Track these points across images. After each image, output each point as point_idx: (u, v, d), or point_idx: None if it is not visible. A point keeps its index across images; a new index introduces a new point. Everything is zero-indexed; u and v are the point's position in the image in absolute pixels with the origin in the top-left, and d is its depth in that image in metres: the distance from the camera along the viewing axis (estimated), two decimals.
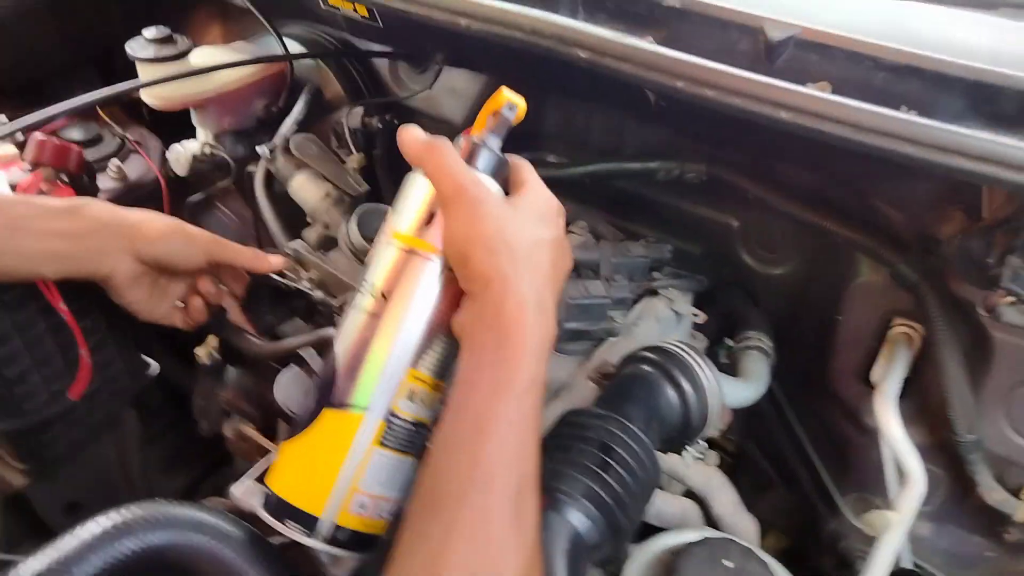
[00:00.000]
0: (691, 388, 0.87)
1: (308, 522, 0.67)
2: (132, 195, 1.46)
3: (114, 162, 1.44)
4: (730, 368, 1.26)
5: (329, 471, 0.68)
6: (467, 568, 0.55)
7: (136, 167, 1.51)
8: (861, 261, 1.18)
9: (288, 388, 0.83)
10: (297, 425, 0.73)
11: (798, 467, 1.45)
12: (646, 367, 0.91)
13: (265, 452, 1.00)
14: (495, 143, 0.78)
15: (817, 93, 0.73)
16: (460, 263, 0.69)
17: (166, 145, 1.61)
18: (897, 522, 0.99)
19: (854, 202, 1.13)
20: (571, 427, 0.81)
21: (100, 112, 1.55)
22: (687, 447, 0.95)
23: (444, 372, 0.76)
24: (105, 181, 1.43)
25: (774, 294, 1.37)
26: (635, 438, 0.79)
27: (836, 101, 0.71)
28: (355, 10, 1.26)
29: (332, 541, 0.67)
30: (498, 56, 1.23)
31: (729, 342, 1.31)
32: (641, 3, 0.87)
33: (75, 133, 1.47)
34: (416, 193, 0.77)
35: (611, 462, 0.76)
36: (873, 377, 1.22)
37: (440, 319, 0.73)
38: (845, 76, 0.78)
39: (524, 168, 0.80)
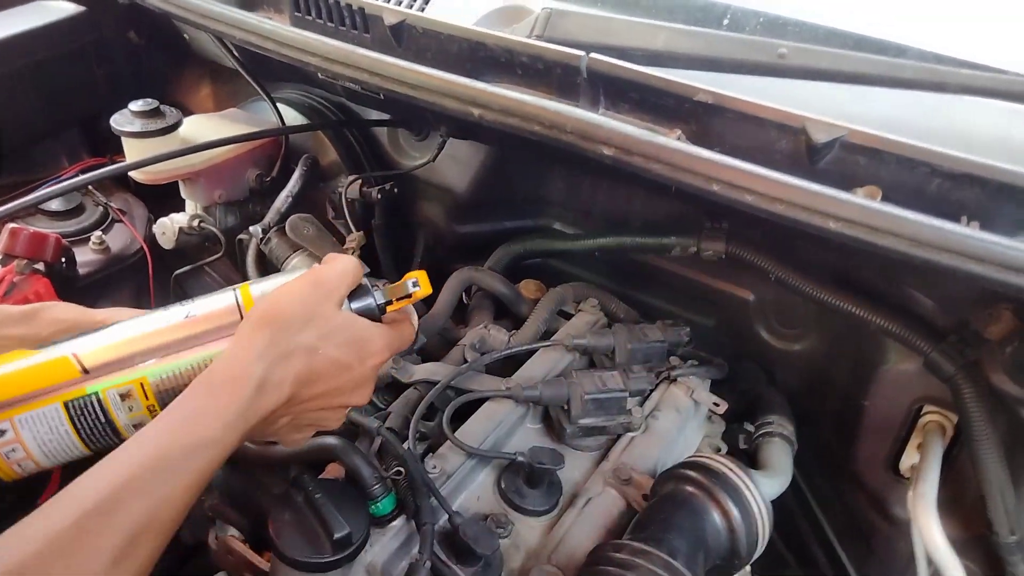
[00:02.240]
0: (739, 514, 0.80)
1: None
2: (115, 267, 1.38)
3: (96, 234, 1.37)
4: (750, 455, 1.19)
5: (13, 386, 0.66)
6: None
7: (120, 237, 1.44)
8: (889, 346, 1.12)
9: (283, 524, 0.75)
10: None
11: (815, 548, 1.39)
12: (689, 488, 0.83)
13: (253, 568, 0.92)
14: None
15: (871, 204, 0.67)
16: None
17: (153, 212, 1.54)
18: None
19: (883, 285, 1.07)
20: (609, 564, 0.74)
21: None
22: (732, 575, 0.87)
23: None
24: (86, 254, 1.36)
25: (791, 371, 1.32)
26: None
27: (894, 214, 0.66)
28: (354, 80, 1.20)
29: None
30: (504, 132, 1.18)
31: (748, 426, 1.24)
32: (669, 96, 0.81)
33: (55, 203, 1.39)
34: None
35: None
36: (903, 467, 1.16)
37: None
38: (896, 181, 0.72)
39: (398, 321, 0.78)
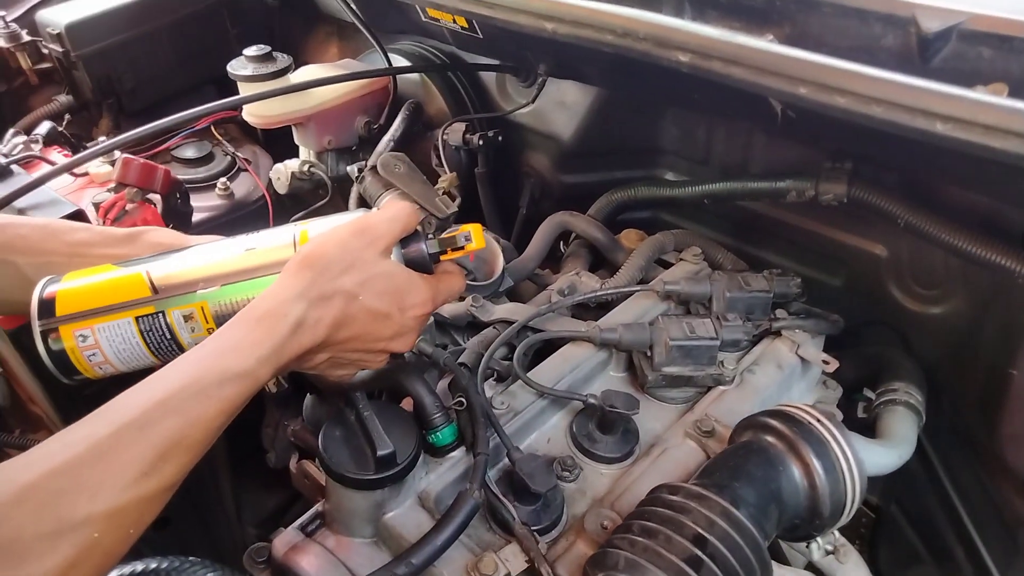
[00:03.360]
0: (822, 469, 0.70)
1: (49, 310, 0.72)
2: (238, 212, 1.46)
3: (222, 180, 1.45)
4: (869, 425, 1.06)
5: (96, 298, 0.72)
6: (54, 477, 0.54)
7: (244, 185, 1.51)
8: None
9: (332, 440, 0.76)
10: None
11: (952, 542, 1.22)
12: (768, 437, 0.75)
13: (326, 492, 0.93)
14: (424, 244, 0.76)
15: (986, 98, 0.55)
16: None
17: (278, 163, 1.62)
18: None
19: None
20: (661, 506, 0.68)
21: (213, 131, 1.57)
22: (815, 538, 0.77)
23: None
24: (211, 199, 1.44)
25: (929, 337, 1.16)
26: (740, 528, 0.64)
27: (1017, 108, 0.54)
28: (455, 21, 1.19)
29: (44, 337, 0.72)
30: (602, 65, 1.11)
31: (869, 393, 1.11)
32: None
33: (188, 152, 1.49)
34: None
35: (704, 558, 0.62)
36: None
37: None
38: None
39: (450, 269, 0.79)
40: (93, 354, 0.73)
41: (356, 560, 0.76)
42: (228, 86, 1.69)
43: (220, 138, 1.57)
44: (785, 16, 0.72)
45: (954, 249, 0.95)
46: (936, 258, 1.11)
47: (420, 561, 0.70)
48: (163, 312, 0.73)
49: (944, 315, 1.13)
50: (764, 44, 0.66)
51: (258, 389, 0.65)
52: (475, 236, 0.76)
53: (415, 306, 0.72)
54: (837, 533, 0.78)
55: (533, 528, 0.76)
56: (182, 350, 0.74)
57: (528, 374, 0.93)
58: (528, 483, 0.77)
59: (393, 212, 0.73)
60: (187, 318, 0.73)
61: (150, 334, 0.73)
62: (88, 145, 1.38)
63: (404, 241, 0.74)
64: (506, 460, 0.83)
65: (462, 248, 0.76)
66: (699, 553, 0.62)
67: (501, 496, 0.77)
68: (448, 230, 0.77)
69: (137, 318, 0.73)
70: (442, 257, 0.76)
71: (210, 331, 0.73)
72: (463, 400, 0.85)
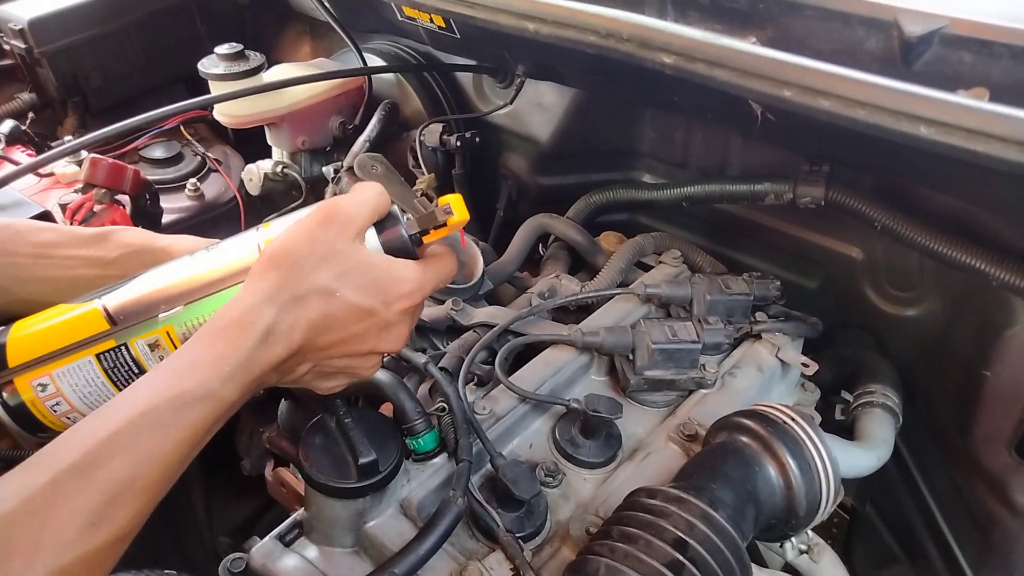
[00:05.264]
0: (797, 468, 0.71)
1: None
2: (208, 214, 1.43)
3: (192, 181, 1.42)
4: (847, 427, 1.07)
5: (49, 341, 0.67)
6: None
7: (215, 186, 1.49)
8: (1017, 306, 0.97)
9: (312, 447, 0.74)
10: None
11: (927, 542, 1.24)
12: (743, 438, 0.75)
13: (304, 500, 0.91)
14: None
15: (970, 102, 0.56)
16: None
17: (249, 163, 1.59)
18: None
19: (1012, 235, 0.93)
20: (640, 510, 0.67)
21: (183, 131, 1.54)
22: (790, 538, 0.77)
23: None
24: (181, 200, 1.41)
25: (904, 339, 1.17)
26: (719, 530, 0.64)
27: (998, 111, 0.54)
28: (431, 20, 1.18)
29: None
30: (583, 66, 1.11)
31: (847, 395, 1.12)
32: None
33: (157, 152, 1.46)
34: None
35: (685, 562, 0.61)
36: None
37: None
38: (1010, 80, 0.60)
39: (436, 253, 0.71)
40: (56, 403, 0.67)
41: (337, 570, 0.74)
42: (198, 85, 1.66)
43: (190, 138, 1.54)
44: (767, 19, 0.72)
45: (929, 252, 0.97)
46: (911, 261, 1.12)
47: (403, 571, 0.68)
48: (125, 344, 0.66)
49: (919, 317, 1.15)
50: (749, 46, 0.66)
51: (228, 412, 0.58)
52: (456, 208, 0.67)
53: (402, 297, 0.63)
54: (811, 532, 0.79)
55: (517, 535, 0.75)
56: None
57: (510, 378, 0.92)
58: (512, 489, 0.76)
59: (360, 194, 0.65)
60: (153, 347, 0.66)
61: (115, 371, 0.67)
62: (53, 145, 1.34)
63: (379, 226, 0.66)
64: (489, 466, 0.82)
65: (444, 224, 0.67)
66: (680, 557, 0.62)
67: (485, 503, 0.76)
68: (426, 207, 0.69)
69: (98, 355, 0.66)
70: (425, 238, 0.68)
71: None
72: (445, 405, 0.84)
